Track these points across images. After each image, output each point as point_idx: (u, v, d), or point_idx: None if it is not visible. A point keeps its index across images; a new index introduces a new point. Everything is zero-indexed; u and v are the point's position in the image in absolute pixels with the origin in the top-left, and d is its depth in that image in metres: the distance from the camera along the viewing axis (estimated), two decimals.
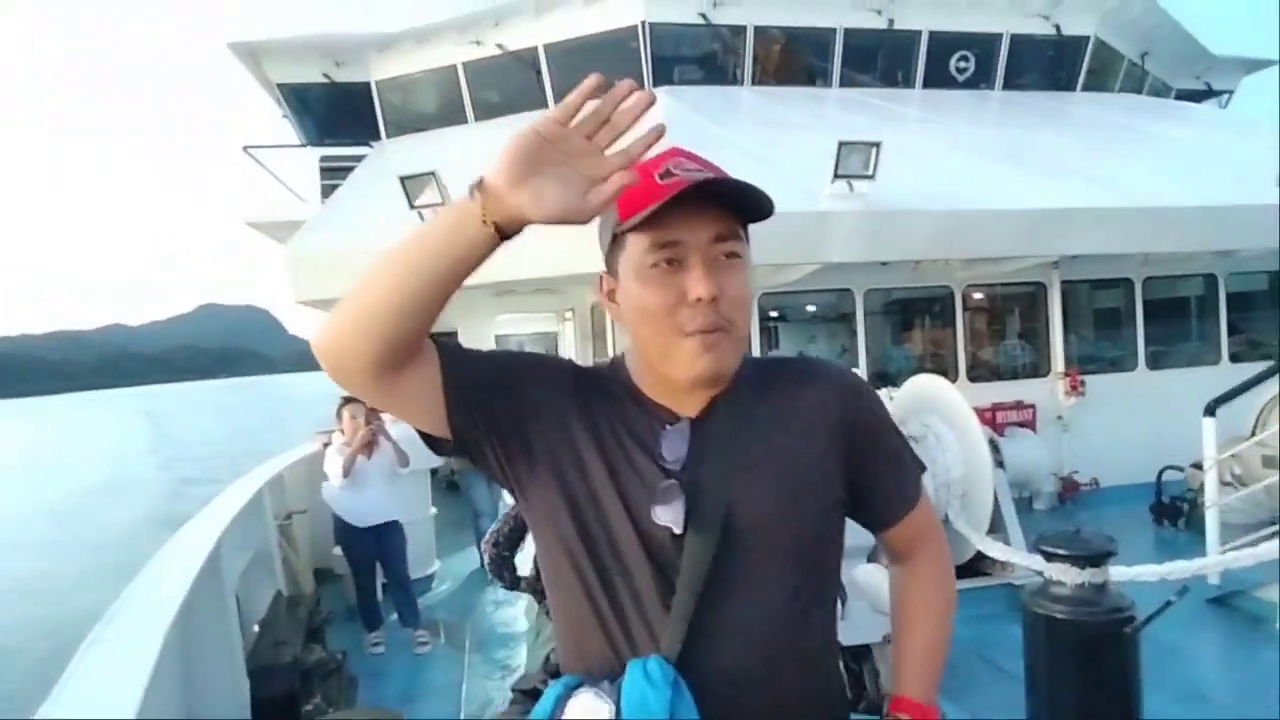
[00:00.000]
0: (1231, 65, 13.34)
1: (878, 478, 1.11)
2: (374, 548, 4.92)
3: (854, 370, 1.17)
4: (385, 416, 5.36)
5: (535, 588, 2.29)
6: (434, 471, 6.56)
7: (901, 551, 1.20)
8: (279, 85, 10.67)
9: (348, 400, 4.76)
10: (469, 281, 0.87)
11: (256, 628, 4.07)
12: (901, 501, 1.15)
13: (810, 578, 1.04)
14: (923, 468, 1.20)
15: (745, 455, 1.02)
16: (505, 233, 0.84)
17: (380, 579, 5.06)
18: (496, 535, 2.34)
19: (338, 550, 5.13)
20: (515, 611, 5.20)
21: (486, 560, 2.38)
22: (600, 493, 1.01)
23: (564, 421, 1.03)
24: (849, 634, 3.32)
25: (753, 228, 1.01)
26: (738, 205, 0.97)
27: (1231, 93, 13.56)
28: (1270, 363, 5.23)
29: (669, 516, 0.98)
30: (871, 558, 4.09)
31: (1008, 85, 10.57)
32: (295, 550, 5.22)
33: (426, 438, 1.02)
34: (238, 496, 4.30)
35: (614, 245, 1.02)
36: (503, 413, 1.01)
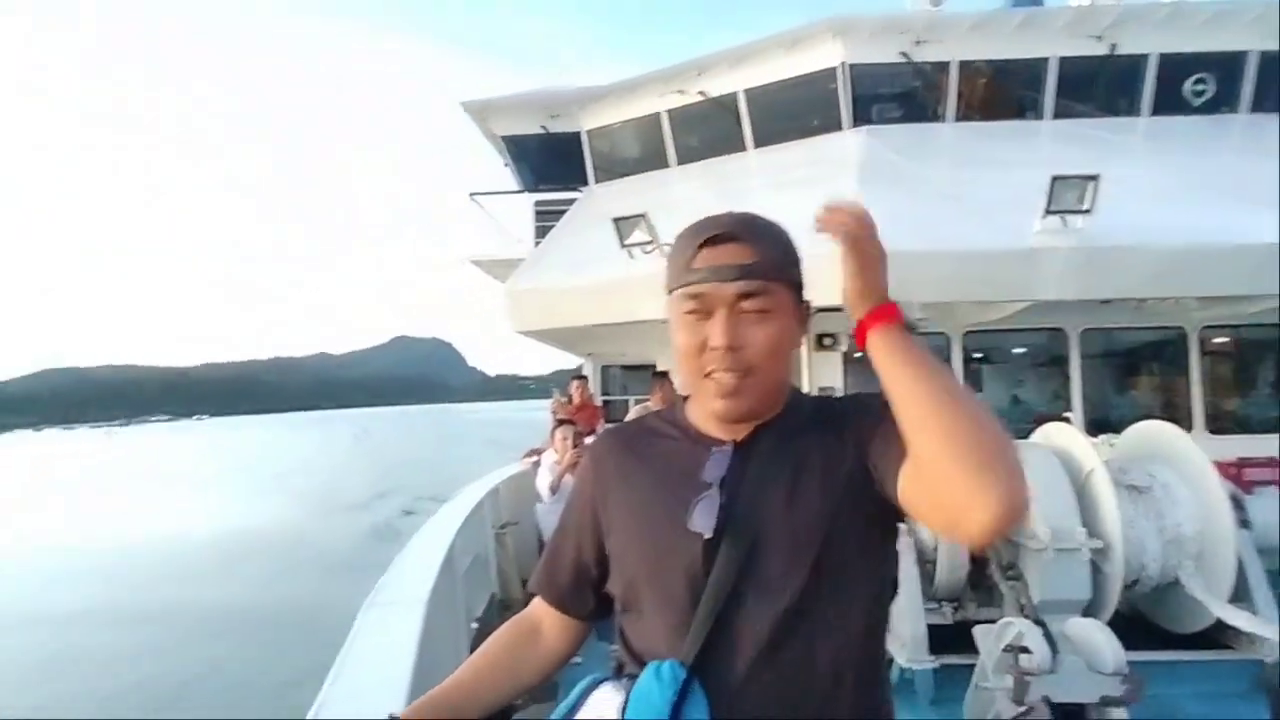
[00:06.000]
0: None
1: (887, 444, 1.04)
2: None
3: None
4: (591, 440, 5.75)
5: None
6: None
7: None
8: (502, 137, 11.77)
9: (561, 421, 5.17)
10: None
11: (474, 625, 4.52)
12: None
13: (828, 588, 1.05)
14: None
15: (781, 473, 1.10)
16: None
17: None
18: None
19: None
20: None
21: None
22: (645, 515, 1.16)
23: (605, 502, 1.22)
24: (1060, 691, 3.18)
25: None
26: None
27: None
28: None
29: (701, 523, 1.07)
30: (1087, 611, 3.85)
31: (1256, 108, 9.49)
32: (509, 557, 5.71)
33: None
34: (464, 504, 4.81)
35: (670, 296, 1.17)
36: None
